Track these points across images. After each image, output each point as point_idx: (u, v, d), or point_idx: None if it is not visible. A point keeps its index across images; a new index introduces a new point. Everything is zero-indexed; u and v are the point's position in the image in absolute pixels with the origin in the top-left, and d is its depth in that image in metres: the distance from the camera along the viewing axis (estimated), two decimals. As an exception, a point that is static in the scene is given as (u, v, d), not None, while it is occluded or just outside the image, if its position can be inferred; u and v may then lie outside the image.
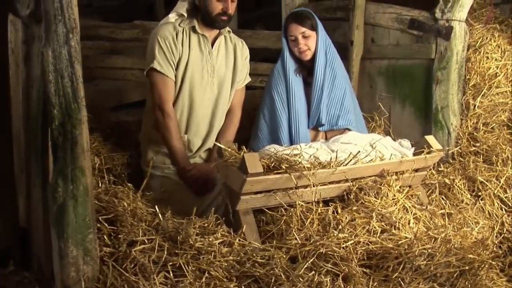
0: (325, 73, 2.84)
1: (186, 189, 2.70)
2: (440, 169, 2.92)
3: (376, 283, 2.03)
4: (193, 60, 2.76)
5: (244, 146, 2.29)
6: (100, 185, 2.36)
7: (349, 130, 2.78)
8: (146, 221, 2.17)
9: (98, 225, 2.05)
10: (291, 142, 2.76)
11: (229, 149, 2.27)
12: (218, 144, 2.34)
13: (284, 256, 2.07)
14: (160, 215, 2.20)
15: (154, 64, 2.70)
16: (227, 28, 2.87)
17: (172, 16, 2.78)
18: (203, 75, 2.79)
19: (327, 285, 1.95)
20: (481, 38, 3.29)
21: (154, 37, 2.74)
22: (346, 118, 2.82)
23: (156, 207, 2.24)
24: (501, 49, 3.29)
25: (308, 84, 2.89)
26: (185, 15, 2.77)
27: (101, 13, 6.33)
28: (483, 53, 3.23)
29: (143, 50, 2.88)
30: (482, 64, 3.22)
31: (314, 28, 2.83)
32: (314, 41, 2.83)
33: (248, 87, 3.06)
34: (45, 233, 2.04)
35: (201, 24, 2.78)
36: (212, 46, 2.82)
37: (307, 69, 2.90)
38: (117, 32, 3.57)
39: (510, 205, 2.79)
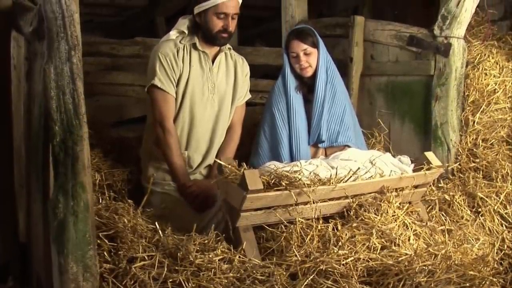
0: (325, 90, 2.85)
1: (186, 206, 2.71)
2: (440, 185, 2.92)
3: (376, 300, 2.02)
4: (193, 77, 2.78)
5: (244, 163, 2.29)
6: (100, 201, 2.36)
7: (349, 147, 2.79)
8: (146, 237, 2.17)
9: (98, 241, 2.05)
10: (292, 158, 2.76)
11: (229, 166, 2.27)
12: (218, 161, 2.34)
13: (284, 273, 2.06)
14: (160, 231, 2.19)
15: (155, 81, 2.72)
16: (228, 45, 2.89)
17: (173, 33, 2.80)
18: (203, 92, 2.80)
19: (327, 302, 1.94)
20: (480, 54, 3.31)
21: (155, 54, 2.76)
22: (346, 134, 2.83)
23: (156, 223, 2.24)
24: (499, 65, 3.31)
25: (308, 101, 2.91)
26: (186, 32, 2.80)
27: (102, 29, 6.39)
28: (482, 69, 3.25)
29: (144, 67, 2.90)
30: (481, 80, 3.23)
31: (315, 45, 2.86)
32: (315, 58, 2.85)
33: (248, 104, 3.07)
34: (45, 249, 2.04)
35: (202, 41, 2.80)
36: (213, 63, 2.84)
37: (307, 86, 2.91)
38: (118, 49, 3.60)
39: (511, 221, 2.78)
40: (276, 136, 2.85)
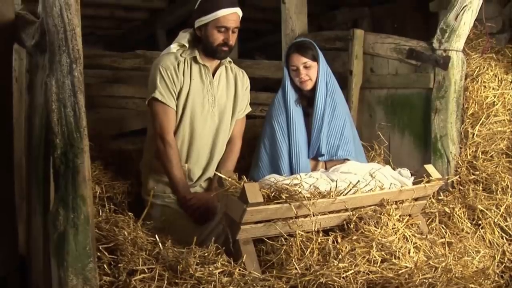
0: (325, 103, 2.86)
1: (186, 218, 2.70)
2: (440, 197, 2.91)
3: (377, 313, 2.02)
4: (194, 90, 2.79)
5: (244, 176, 2.29)
6: (100, 213, 2.37)
7: (348, 160, 2.79)
8: (146, 250, 2.16)
9: (98, 254, 2.05)
10: (292, 171, 2.77)
11: (230, 179, 2.27)
12: (219, 174, 2.34)
13: (284, 286, 2.05)
14: (160, 244, 2.19)
15: (156, 94, 2.73)
16: (228, 59, 2.91)
17: (173, 47, 2.81)
18: (204, 105, 2.81)
19: (327, 315, 1.94)
20: (478, 67, 3.32)
21: (155, 67, 2.77)
22: (346, 148, 2.84)
23: (157, 236, 2.24)
24: (498, 78, 3.32)
25: (307, 114, 2.92)
26: (187, 45, 2.81)
27: (103, 41, 6.43)
28: (481, 82, 3.26)
29: (145, 79, 2.91)
30: (480, 93, 3.24)
31: (315, 58, 2.87)
32: (315, 71, 2.86)
33: (248, 116, 3.08)
34: (44, 261, 2.04)
35: (202, 55, 2.82)
36: (213, 76, 2.86)
37: (307, 99, 2.92)
38: (119, 61, 3.61)
39: (511, 233, 2.78)
40: (275, 149, 2.86)
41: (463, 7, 3.01)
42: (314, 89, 2.87)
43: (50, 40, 1.95)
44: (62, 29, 1.94)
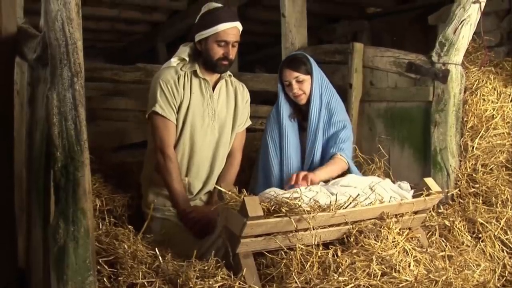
0: (319, 117, 2.85)
1: (186, 232, 2.70)
2: (439, 210, 2.90)
3: (377, 327, 2.01)
4: (194, 104, 2.80)
5: (244, 189, 2.29)
6: (100, 226, 2.37)
7: (341, 155, 2.77)
8: (146, 263, 2.16)
9: (98, 267, 2.05)
10: (282, 187, 2.74)
11: (230, 192, 2.27)
12: (219, 187, 2.35)
13: (284, 299, 2.06)
14: (160, 257, 2.19)
15: (156, 107, 2.73)
16: (228, 72, 2.92)
17: (174, 60, 2.82)
18: (204, 119, 2.82)
19: (327, 329, 1.93)
20: (477, 80, 3.33)
21: (156, 80, 2.78)
22: (338, 146, 2.81)
23: (157, 249, 2.24)
24: (497, 91, 3.33)
25: (304, 128, 2.91)
26: (187, 59, 2.82)
27: (104, 54, 6.46)
28: (480, 95, 3.27)
29: (145, 92, 2.92)
30: (479, 106, 3.25)
31: (308, 72, 2.86)
32: (308, 85, 2.86)
33: (248, 130, 3.09)
34: (44, 275, 2.03)
35: (203, 68, 2.83)
36: (213, 90, 2.87)
37: (303, 112, 2.92)
38: (120, 74, 3.62)
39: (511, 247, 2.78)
40: (268, 164, 2.88)
41: (462, 21, 3.03)
42: (308, 102, 2.86)
43: (52, 54, 1.96)
44: (63, 43, 1.96)
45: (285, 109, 2.92)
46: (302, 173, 2.60)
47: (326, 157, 2.83)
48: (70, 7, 1.97)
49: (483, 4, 3.05)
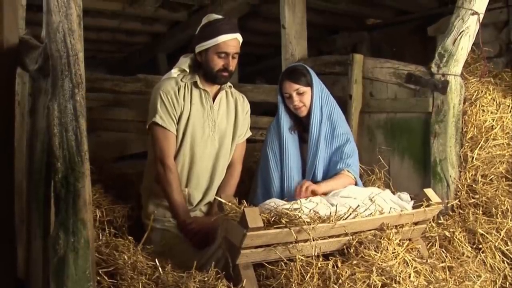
0: (320, 128, 2.84)
1: (186, 243, 2.69)
2: (440, 221, 2.90)
3: None
4: (194, 115, 2.80)
5: (244, 200, 2.30)
6: (100, 237, 2.37)
7: (348, 171, 2.77)
8: (146, 274, 2.16)
9: (98, 278, 2.05)
10: (283, 199, 2.73)
11: (230, 203, 2.28)
12: (219, 198, 2.35)
13: (285, 311, 2.05)
14: (160, 268, 2.19)
15: (156, 118, 2.74)
16: (228, 83, 2.92)
17: (174, 71, 2.84)
18: (204, 130, 2.83)
19: None
20: (477, 91, 3.33)
21: (156, 91, 2.79)
22: (345, 162, 2.80)
23: (156, 260, 2.23)
24: (496, 102, 3.33)
25: (305, 140, 2.90)
26: (187, 70, 2.84)
27: (105, 65, 6.48)
28: (479, 106, 3.27)
29: (146, 103, 2.93)
30: (478, 117, 3.25)
31: (309, 84, 2.85)
32: (309, 96, 2.84)
33: (248, 141, 3.09)
34: (44, 285, 2.03)
35: (203, 80, 2.84)
36: (214, 101, 2.87)
37: (303, 124, 2.91)
38: (120, 85, 3.63)
39: (512, 257, 2.77)
40: (268, 177, 2.87)
41: (461, 32, 3.05)
42: (309, 114, 2.85)
43: (53, 65, 1.97)
44: (65, 54, 1.97)
45: (285, 121, 2.91)
46: (306, 184, 2.60)
47: (331, 171, 2.82)
48: (72, 18, 1.99)
49: (481, 16, 3.06)
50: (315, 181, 2.78)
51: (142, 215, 2.89)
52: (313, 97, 2.84)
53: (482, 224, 2.88)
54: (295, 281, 2.18)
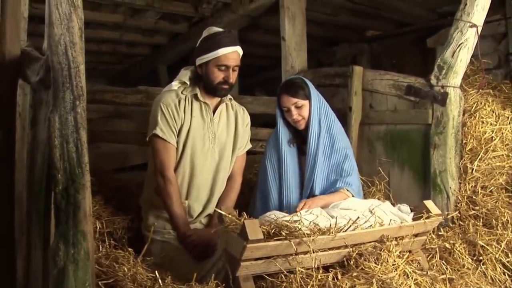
0: (318, 142, 2.82)
1: (186, 255, 2.69)
2: (440, 233, 2.90)
3: None
4: (194, 127, 2.81)
5: (244, 212, 2.30)
6: (100, 249, 2.36)
7: (348, 190, 2.76)
8: (146, 286, 2.15)
9: (98, 290, 2.04)
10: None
11: (230, 215, 2.28)
12: (219, 210, 2.35)
13: (285, 323, 2.05)
14: (160, 280, 2.18)
15: (157, 130, 2.75)
16: (229, 96, 2.93)
17: (175, 84, 2.84)
18: (204, 142, 2.83)
19: None
20: (476, 103, 3.35)
21: (157, 103, 2.80)
22: (345, 180, 2.79)
23: (156, 272, 2.22)
24: (496, 113, 3.35)
25: (304, 153, 2.89)
26: (188, 83, 2.85)
27: (105, 76, 6.50)
28: (478, 117, 3.28)
29: (146, 115, 2.93)
30: (478, 128, 3.26)
31: (307, 97, 2.84)
32: (307, 109, 2.83)
33: (248, 152, 3.09)
34: (43, 297, 2.03)
35: (203, 92, 2.85)
36: (214, 113, 2.88)
37: (302, 136, 2.90)
38: (121, 97, 3.64)
39: (512, 269, 2.77)
40: (267, 190, 2.87)
41: (459, 45, 3.07)
42: (307, 127, 2.84)
43: (55, 77, 1.98)
44: (66, 66, 1.98)
45: (283, 134, 2.91)
46: (302, 203, 2.59)
47: (329, 187, 2.80)
48: (74, 31, 2.00)
49: (480, 28, 3.08)
50: (313, 194, 2.77)
51: (142, 227, 2.89)
52: (311, 110, 2.83)
53: (483, 236, 2.88)
54: (295, 293, 2.17)
